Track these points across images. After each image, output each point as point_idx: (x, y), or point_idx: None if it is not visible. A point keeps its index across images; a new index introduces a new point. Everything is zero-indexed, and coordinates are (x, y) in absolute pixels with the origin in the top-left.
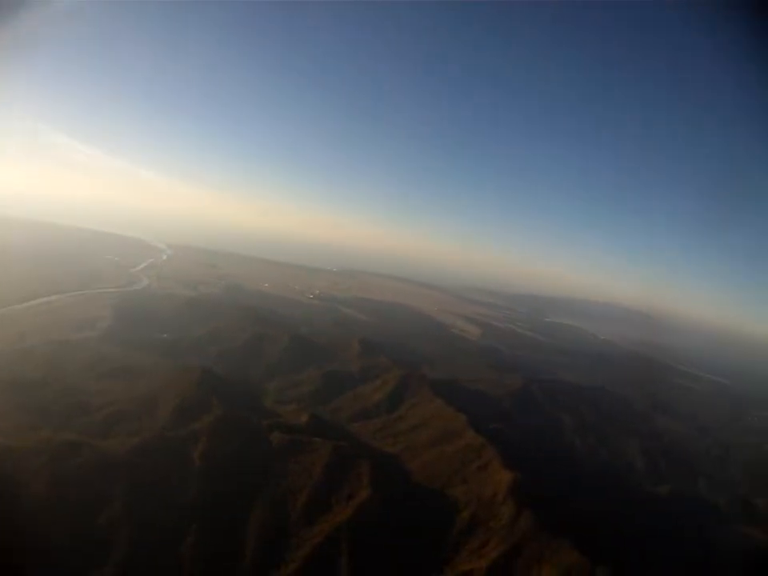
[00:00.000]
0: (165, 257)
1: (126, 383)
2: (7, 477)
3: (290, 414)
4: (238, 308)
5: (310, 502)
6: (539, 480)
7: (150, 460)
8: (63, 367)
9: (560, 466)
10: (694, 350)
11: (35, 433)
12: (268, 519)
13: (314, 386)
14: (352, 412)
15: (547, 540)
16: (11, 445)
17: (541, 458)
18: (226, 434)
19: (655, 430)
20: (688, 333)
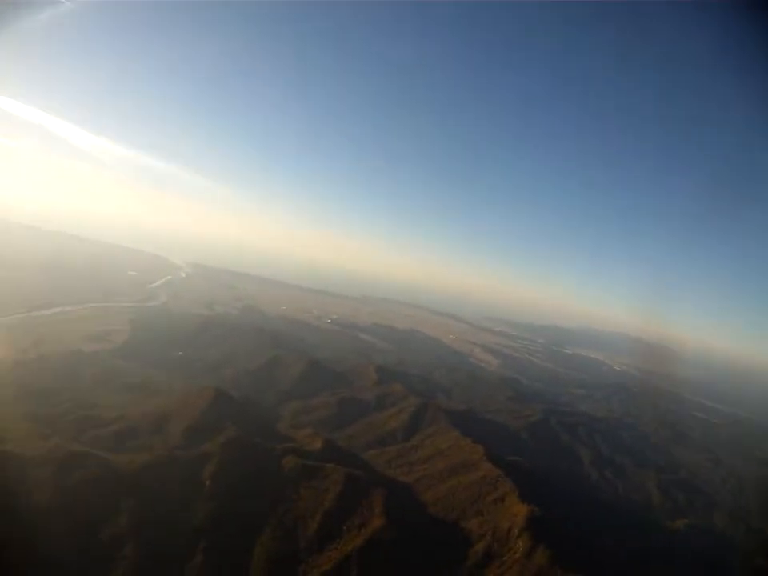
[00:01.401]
0: (183, 275)
1: (139, 399)
2: (13, 484)
3: (304, 440)
4: (255, 330)
5: (320, 529)
6: (556, 515)
7: (158, 478)
8: (76, 378)
9: (577, 500)
10: (706, 381)
11: (44, 442)
12: (277, 545)
13: (329, 411)
14: (367, 440)
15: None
16: (19, 453)
17: (558, 491)
18: (238, 456)
19: (671, 462)
20: (700, 363)
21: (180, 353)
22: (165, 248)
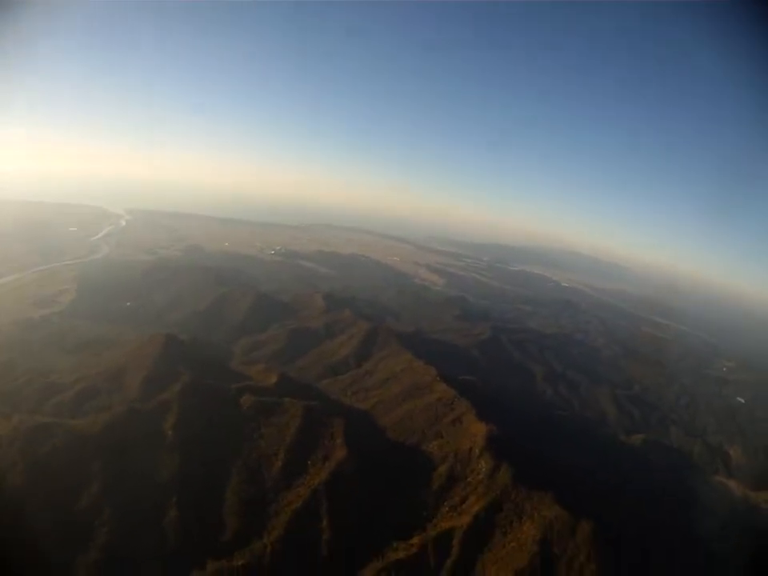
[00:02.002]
0: (124, 223)
1: (94, 357)
2: None
3: (258, 375)
4: (200, 270)
5: (285, 466)
6: (514, 432)
7: (121, 436)
8: (29, 347)
9: (533, 417)
10: (675, 306)
11: (6, 420)
12: (245, 487)
13: (279, 344)
14: (320, 369)
15: (527, 494)
16: None
17: (514, 409)
18: (196, 402)
19: (624, 378)
20: (674, 289)
21: (128, 303)
22: (100, 198)
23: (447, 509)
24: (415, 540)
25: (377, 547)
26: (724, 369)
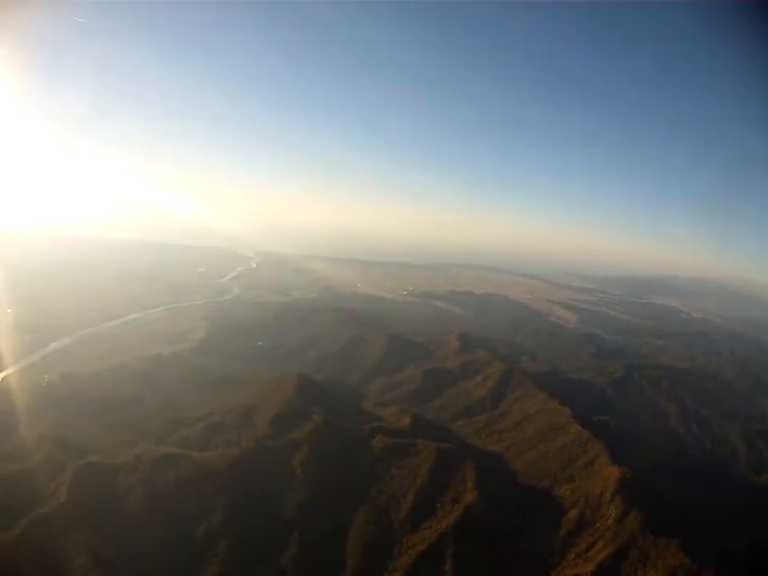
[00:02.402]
0: (254, 265)
1: (224, 394)
2: (103, 494)
3: (392, 417)
4: (332, 311)
5: (413, 508)
6: (646, 475)
7: (249, 471)
8: (159, 381)
9: (666, 457)
10: None
11: (131, 449)
12: (371, 527)
13: (414, 385)
14: (454, 410)
15: (654, 540)
16: (106, 462)
17: (646, 449)
18: (327, 441)
19: (758, 412)
20: None
21: (260, 342)
22: (228, 240)
23: (573, 555)
24: None
25: None
26: None
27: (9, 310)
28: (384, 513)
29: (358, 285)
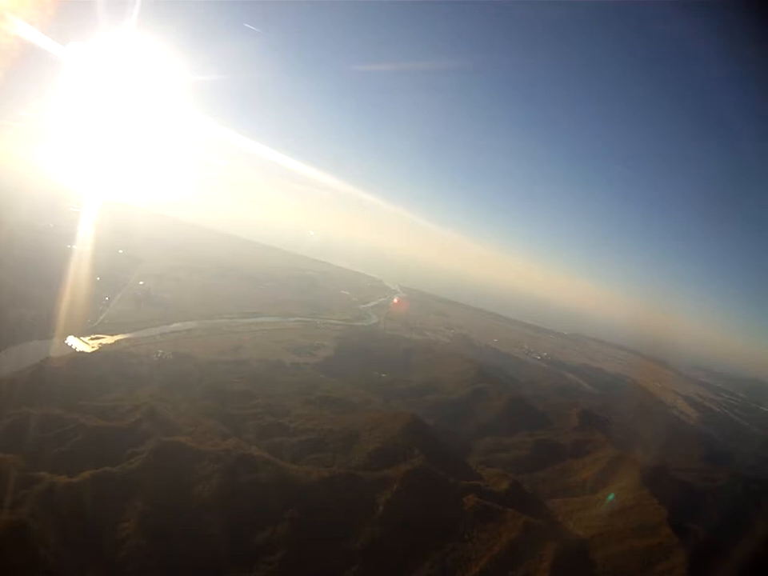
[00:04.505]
0: (396, 298)
1: (332, 414)
2: (177, 474)
3: (492, 479)
4: (461, 360)
5: (481, 573)
6: None
7: (332, 494)
8: (273, 386)
9: None
10: None
11: (222, 441)
12: None
13: (523, 452)
14: (555, 486)
15: None
16: (192, 446)
17: (729, 569)
18: (419, 486)
19: None
20: None
21: (383, 374)
22: (379, 271)
23: None
24: None
25: None
26: None
27: (141, 282)
28: (450, 570)
29: (495, 340)
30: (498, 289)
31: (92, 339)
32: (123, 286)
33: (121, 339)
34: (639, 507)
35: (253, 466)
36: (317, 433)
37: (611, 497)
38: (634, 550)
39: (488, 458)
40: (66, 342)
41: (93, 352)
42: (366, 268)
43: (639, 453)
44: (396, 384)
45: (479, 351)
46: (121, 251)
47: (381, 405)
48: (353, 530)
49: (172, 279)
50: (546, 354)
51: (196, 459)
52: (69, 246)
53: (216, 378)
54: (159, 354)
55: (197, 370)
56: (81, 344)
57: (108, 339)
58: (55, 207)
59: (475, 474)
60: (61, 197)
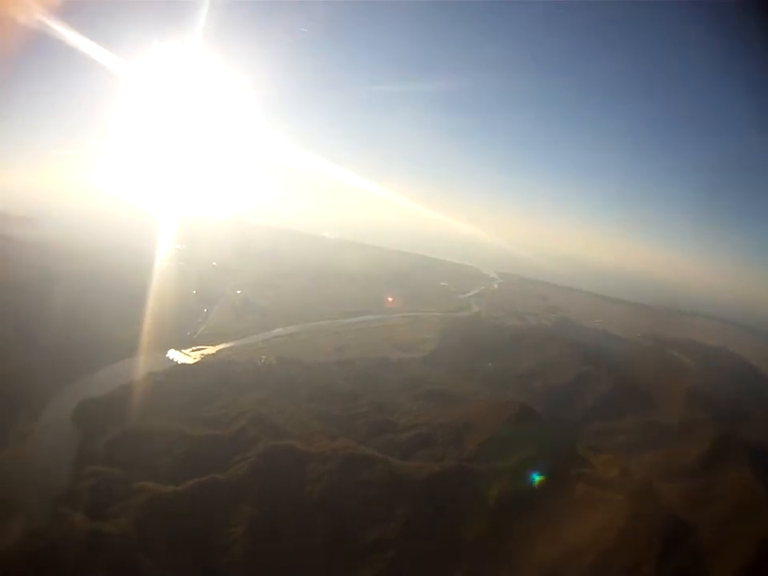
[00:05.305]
0: (496, 285)
1: (441, 408)
2: (286, 477)
3: (601, 465)
4: (566, 343)
5: (592, 564)
6: None
7: (443, 490)
8: (379, 383)
9: None
10: None
11: (331, 441)
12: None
13: (631, 436)
14: (665, 469)
15: None
16: (302, 448)
17: None
18: (529, 476)
19: None
20: None
21: (489, 363)
22: (474, 258)
23: None
24: None
25: None
26: None
27: (238, 291)
28: (558, 562)
29: (598, 321)
30: (597, 267)
31: (193, 351)
32: (220, 297)
33: (222, 349)
34: (741, 489)
35: (362, 464)
36: (426, 428)
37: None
38: (743, 534)
39: (597, 442)
40: (166, 355)
41: (195, 363)
42: (461, 257)
43: (746, 431)
44: (502, 373)
45: (582, 333)
46: (214, 264)
47: (489, 394)
48: (464, 524)
49: (269, 286)
50: (649, 332)
51: (305, 461)
52: (161, 264)
53: (321, 379)
54: (263, 360)
55: (302, 374)
56: (182, 356)
57: (210, 349)
58: (141, 226)
59: (584, 461)
60: (142, 216)
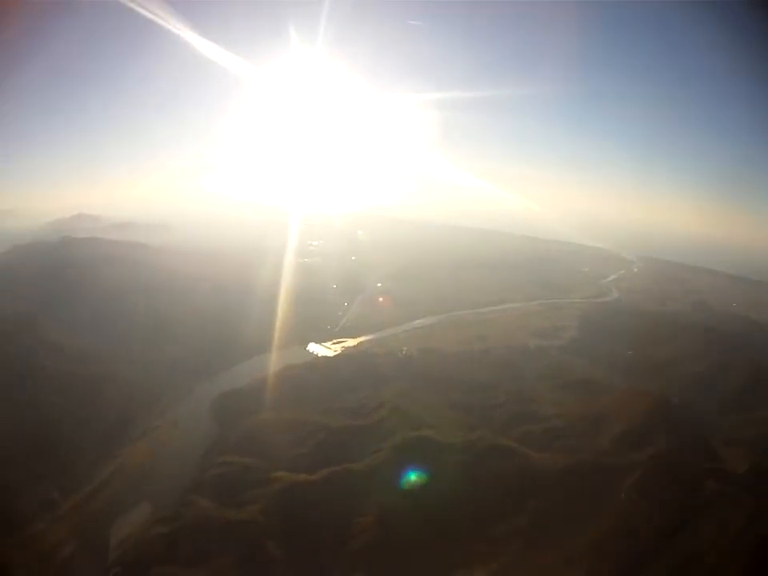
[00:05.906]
0: (635, 269)
1: (579, 398)
2: (421, 467)
3: (734, 459)
4: (704, 330)
5: (706, 571)
6: None
7: (575, 483)
8: (517, 373)
9: None
10: None
11: (469, 432)
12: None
13: (766, 429)
14: None
15: None
16: (438, 439)
17: None
18: (661, 473)
19: None
20: None
21: (629, 352)
22: (614, 243)
23: None
24: None
25: None
26: None
27: (379, 284)
28: (679, 568)
29: (734, 304)
30: (734, 248)
31: (334, 344)
32: (361, 291)
33: (363, 341)
34: None
35: (497, 456)
36: (563, 419)
37: None
38: None
39: (732, 435)
40: (306, 349)
41: (335, 356)
42: (600, 241)
43: None
44: (641, 361)
45: (719, 318)
46: (353, 258)
47: (627, 384)
48: (591, 520)
49: (410, 278)
50: None
51: (441, 452)
52: (300, 261)
53: (461, 369)
54: (403, 351)
55: (441, 364)
56: (323, 349)
57: (350, 342)
58: (272, 227)
59: (716, 456)
60: (272, 217)
